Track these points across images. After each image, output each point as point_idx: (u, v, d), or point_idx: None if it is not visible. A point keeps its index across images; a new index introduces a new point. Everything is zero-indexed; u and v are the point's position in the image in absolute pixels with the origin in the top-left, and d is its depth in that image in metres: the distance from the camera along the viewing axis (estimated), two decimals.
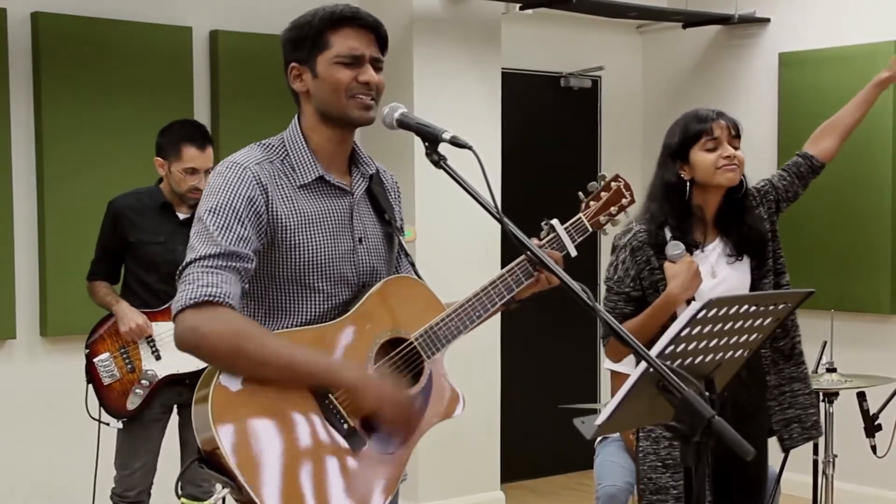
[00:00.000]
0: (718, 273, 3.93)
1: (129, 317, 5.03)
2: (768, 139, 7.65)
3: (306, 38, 2.92)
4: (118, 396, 5.06)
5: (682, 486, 3.77)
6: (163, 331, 5.07)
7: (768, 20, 7.79)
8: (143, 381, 5.05)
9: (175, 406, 5.24)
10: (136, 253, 5.15)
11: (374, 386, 2.82)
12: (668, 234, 3.88)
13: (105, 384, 5.06)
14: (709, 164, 3.87)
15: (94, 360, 5.07)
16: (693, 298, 3.79)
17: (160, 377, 5.07)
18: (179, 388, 5.13)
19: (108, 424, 5.10)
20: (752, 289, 3.98)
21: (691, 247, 3.89)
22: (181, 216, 5.17)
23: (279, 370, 2.75)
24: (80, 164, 6.23)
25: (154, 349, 5.08)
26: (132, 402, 5.05)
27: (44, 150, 6.17)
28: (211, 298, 2.71)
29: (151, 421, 5.15)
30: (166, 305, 5.05)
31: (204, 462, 2.75)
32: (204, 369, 5.00)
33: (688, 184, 3.91)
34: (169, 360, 5.07)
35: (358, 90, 2.90)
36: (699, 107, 4.02)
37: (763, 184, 4.16)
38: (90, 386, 5.08)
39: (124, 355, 5.07)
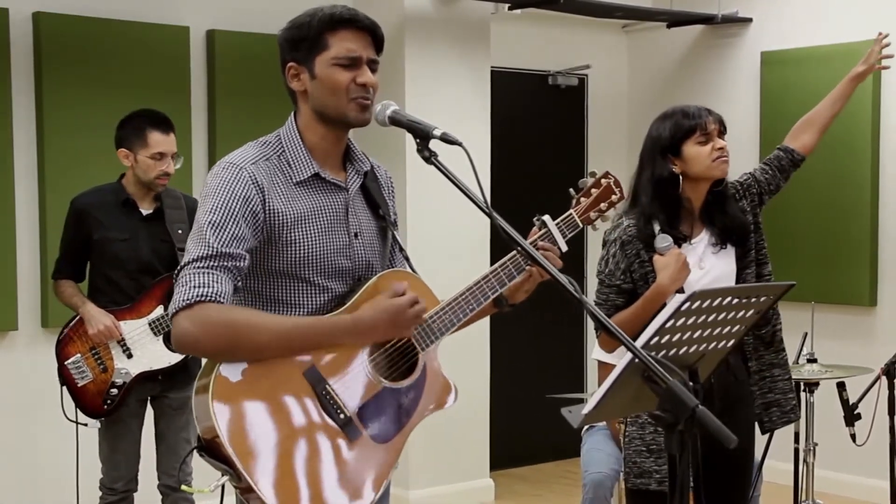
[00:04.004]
0: (706, 264, 3.99)
1: (98, 319, 4.95)
2: (751, 136, 7.69)
3: (305, 39, 2.94)
4: (93, 397, 5.00)
5: (665, 471, 3.86)
6: (132, 329, 5.01)
7: (750, 20, 7.86)
8: (116, 381, 4.98)
9: (149, 398, 5.21)
10: (100, 250, 5.07)
11: (370, 322, 2.88)
12: (657, 228, 3.93)
13: (79, 385, 4.99)
14: (704, 157, 3.93)
15: (66, 362, 5.00)
16: (682, 289, 3.84)
17: (133, 375, 5.01)
18: (152, 384, 5.10)
19: (85, 425, 5.07)
20: (737, 277, 4.04)
21: (680, 240, 3.95)
22: (144, 212, 5.11)
23: (276, 347, 2.79)
24: (79, 160, 6.27)
25: (125, 348, 5.00)
26: (108, 403, 4.99)
27: (45, 146, 6.22)
28: (201, 299, 2.74)
29: (128, 416, 5.11)
30: (133, 303, 5.04)
31: (204, 450, 2.78)
32: (175, 364, 5.03)
33: (680, 178, 3.96)
34: (140, 357, 5.01)
35: (356, 92, 2.92)
36: (684, 104, 4.07)
37: (746, 177, 4.21)
38: (64, 388, 5.01)
39: (95, 356, 4.99)
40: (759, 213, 4.19)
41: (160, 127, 5.07)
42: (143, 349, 5.01)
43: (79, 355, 5.00)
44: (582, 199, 3.37)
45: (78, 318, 5.05)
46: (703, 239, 4.03)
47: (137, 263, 5.07)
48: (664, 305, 3.82)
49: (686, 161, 3.96)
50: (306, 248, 2.94)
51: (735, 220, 4.06)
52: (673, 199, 3.98)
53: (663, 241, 3.90)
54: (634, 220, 3.97)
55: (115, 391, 4.99)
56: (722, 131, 4.01)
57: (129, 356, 5.02)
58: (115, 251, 5.05)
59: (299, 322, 2.87)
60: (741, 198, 4.15)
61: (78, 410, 5.05)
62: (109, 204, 5.10)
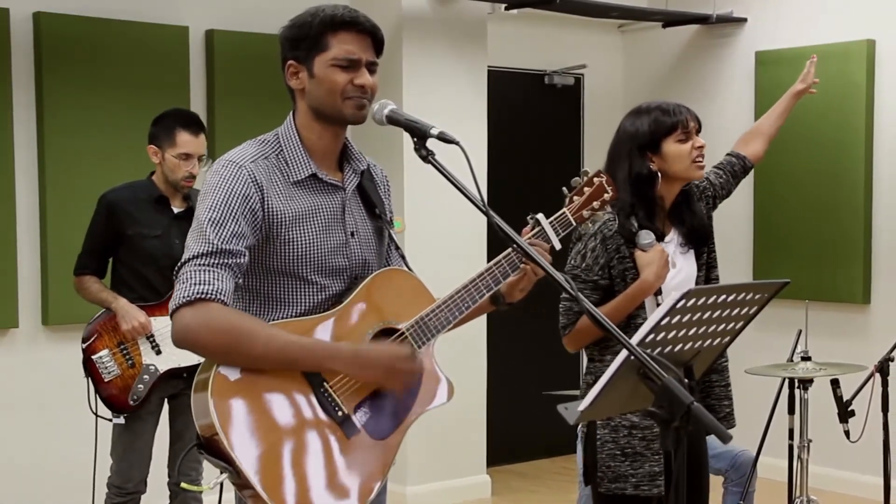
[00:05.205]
0: (676, 263, 3.95)
1: (132, 315, 4.96)
2: None
3: (305, 38, 2.96)
4: (119, 392, 4.98)
5: (641, 475, 3.80)
6: (161, 325, 4.99)
7: (745, 20, 7.90)
8: (144, 377, 4.97)
9: (166, 397, 5.19)
10: (132, 246, 5.07)
11: (368, 359, 2.90)
12: (636, 224, 3.87)
13: (105, 381, 4.96)
14: (685, 155, 3.87)
15: (93, 356, 4.97)
16: (660, 289, 3.84)
17: (161, 372, 5.01)
18: (176, 381, 5.07)
19: (110, 420, 5.04)
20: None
21: (657, 237, 3.89)
22: (176, 210, 5.13)
23: (273, 360, 2.80)
24: (79, 159, 6.30)
25: (154, 344, 5.01)
26: (133, 398, 4.98)
27: (45, 145, 6.24)
28: (203, 296, 2.77)
29: (148, 414, 5.10)
30: (164, 299, 5.00)
31: (203, 447, 2.81)
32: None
33: (658, 175, 3.90)
34: (169, 354, 4.99)
35: (353, 93, 2.95)
36: (659, 100, 4.02)
37: (701, 180, 4.18)
38: (90, 381, 4.98)
39: (124, 351, 4.99)
40: (711, 216, 4.17)
41: (190, 128, 5.09)
42: (171, 346, 4.86)
43: (106, 350, 4.99)
44: (575, 197, 3.37)
45: (106, 313, 5.04)
46: (672, 238, 4.01)
47: (170, 260, 4.97)
48: (642, 304, 3.86)
49: (665, 159, 3.91)
50: (303, 246, 2.97)
51: (701, 220, 4.04)
52: (650, 196, 3.92)
53: (646, 237, 3.84)
54: (615, 216, 3.88)
55: (141, 387, 4.98)
56: (699, 130, 3.97)
57: (158, 352, 5.03)
58: (148, 247, 5.07)
59: (298, 340, 2.86)
60: (698, 200, 4.12)
61: (99, 404, 5.02)
62: (141, 200, 5.12)
